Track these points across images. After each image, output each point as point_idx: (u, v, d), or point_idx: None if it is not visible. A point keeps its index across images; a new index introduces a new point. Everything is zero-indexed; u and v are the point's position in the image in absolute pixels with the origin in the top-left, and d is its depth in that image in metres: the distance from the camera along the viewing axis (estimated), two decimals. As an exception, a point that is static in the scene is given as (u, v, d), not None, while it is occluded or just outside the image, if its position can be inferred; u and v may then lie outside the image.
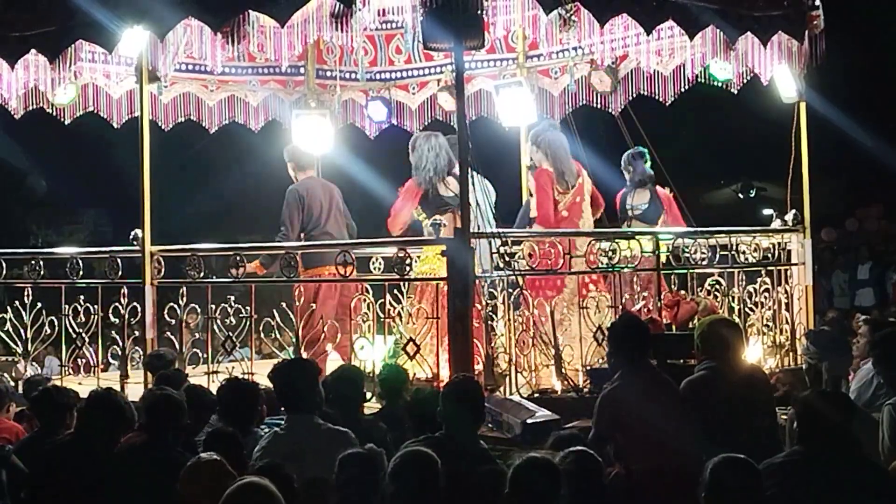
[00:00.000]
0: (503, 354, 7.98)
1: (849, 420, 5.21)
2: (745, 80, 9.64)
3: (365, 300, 8.42)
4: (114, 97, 10.97)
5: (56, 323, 9.56)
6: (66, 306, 9.50)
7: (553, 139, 9.28)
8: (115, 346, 9.31)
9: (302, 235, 9.60)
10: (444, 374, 7.63)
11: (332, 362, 8.35)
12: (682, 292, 9.21)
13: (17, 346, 9.83)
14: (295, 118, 11.24)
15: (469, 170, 7.81)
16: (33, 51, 8.80)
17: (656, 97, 10.45)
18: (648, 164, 10.37)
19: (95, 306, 9.34)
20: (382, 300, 8.63)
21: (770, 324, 9.52)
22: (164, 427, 5.86)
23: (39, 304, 9.73)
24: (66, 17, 8.51)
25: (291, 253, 8.57)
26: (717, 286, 9.33)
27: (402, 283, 8.82)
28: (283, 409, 6.19)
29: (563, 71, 11.38)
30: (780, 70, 9.33)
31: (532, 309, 8.27)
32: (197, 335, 9.20)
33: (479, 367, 7.80)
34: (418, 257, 8.76)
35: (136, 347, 9.10)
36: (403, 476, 4.67)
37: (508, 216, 9.72)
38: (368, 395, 7.25)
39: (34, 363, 9.96)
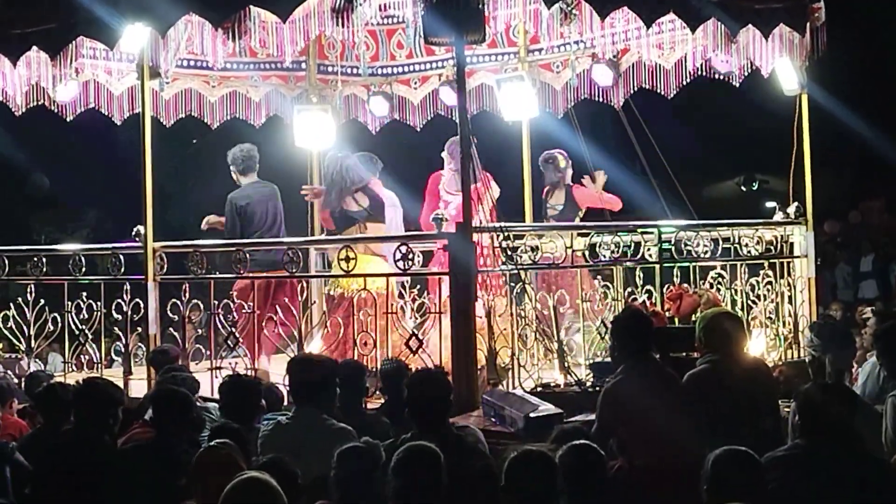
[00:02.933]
0: (505, 349, 7.98)
1: (851, 413, 5.21)
2: (746, 73, 9.63)
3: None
4: (115, 94, 10.97)
5: (59, 320, 9.58)
6: (69, 303, 9.52)
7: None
8: (118, 343, 9.32)
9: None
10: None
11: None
12: (685, 285, 9.20)
13: (20, 342, 9.85)
14: (297, 114, 11.24)
15: (471, 166, 7.81)
16: (35, 48, 8.81)
17: (658, 91, 10.44)
18: (565, 165, 10.52)
19: (98, 303, 9.34)
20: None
21: (773, 317, 9.53)
22: (170, 423, 5.87)
23: (42, 301, 9.74)
24: (67, 13, 8.51)
25: (294, 249, 8.57)
26: (720, 279, 9.33)
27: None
28: (292, 401, 6.20)
29: (564, 65, 11.37)
30: (781, 63, 9.31)
31: (534, 303, 8.27)
32: (200, 331, 9.20)
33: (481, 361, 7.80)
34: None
35: (139, 344, 9.10)
36: (406, 470, 4.66)
37: (512, 211, 9.75)
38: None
39: (37, 360, 9.97)
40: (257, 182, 10.01)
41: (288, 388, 6.58)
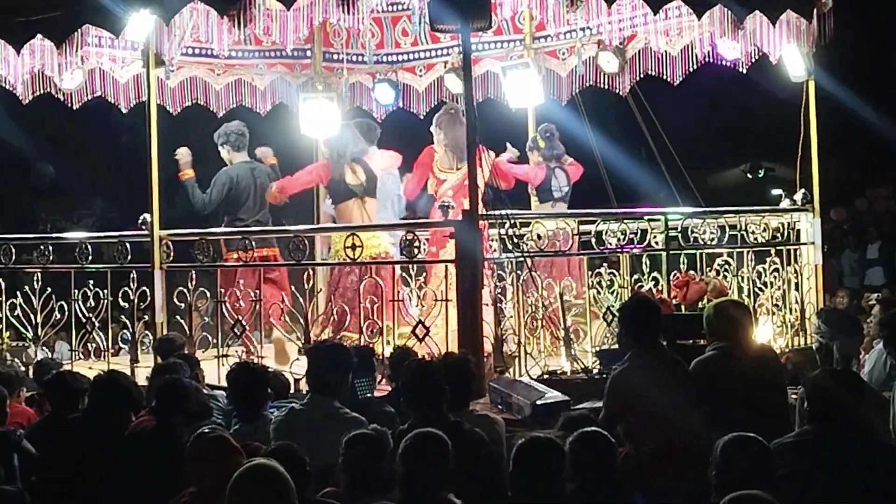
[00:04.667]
0: (512, 336, 7.98)
1: (860, 400, 5.21)
2: (753, 60, 9.60)
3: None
4: (121, 82, 10.96)
5: (66, 308, 9.58)
6: (76, 291, 9.52)
7: (456, 121, 9.24)
8: (125, 331, 9.33)
9: (226, 219, 9.76)
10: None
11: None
12: (692, 273, 9.19)
13: (28, 331, 9.85)
14: (302, 101, 11.23)
15: (473, 154, 7.80)
16: (40, 36, 8.79)
17: (664, 77, 10.42)
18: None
19: (105, 291, 9.35)
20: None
21: (779, 304, 9.52)
22: (171, 412, 5.87)
23: (49, 290, 9.75)
24: (72, 1, 8.51)
25: (300, 236, 8.56)
26: (727, 266, 9.32)
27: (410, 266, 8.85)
28: (308, 387, 6.22)
29: (570, 52, 11.36)
30: (788, 49, 9.28)
31: (541, 290, 8.26)
32: (206, 319, 9.20)
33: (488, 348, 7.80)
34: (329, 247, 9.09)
35: (146, 332, 9.11)
36: (414, 457, 4.66)
37: (518, 198, 9.74)
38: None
39: (44, 348, 9.98)
40: (249, 161, 10.08)
41: (304, 375, 6.58)
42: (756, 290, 9.36)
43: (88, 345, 9.58)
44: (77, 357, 9.56)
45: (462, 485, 4.84)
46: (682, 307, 8.79)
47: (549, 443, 4.68)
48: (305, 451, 4.93)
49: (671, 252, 8.97)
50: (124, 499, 5.53)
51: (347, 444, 4.88)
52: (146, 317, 9.14)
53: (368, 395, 6.48)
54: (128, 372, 8.11)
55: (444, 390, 5.69)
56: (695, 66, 10.16)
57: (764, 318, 9.23)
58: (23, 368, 8.80)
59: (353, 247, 8.23)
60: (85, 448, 5.81)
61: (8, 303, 9.95)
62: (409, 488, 4.63)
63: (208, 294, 9.04)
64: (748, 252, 9.34)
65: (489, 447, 5.53)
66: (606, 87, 11.06)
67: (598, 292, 8.88)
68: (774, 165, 20.35)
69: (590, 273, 8.91)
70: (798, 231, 9.80)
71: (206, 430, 5.09)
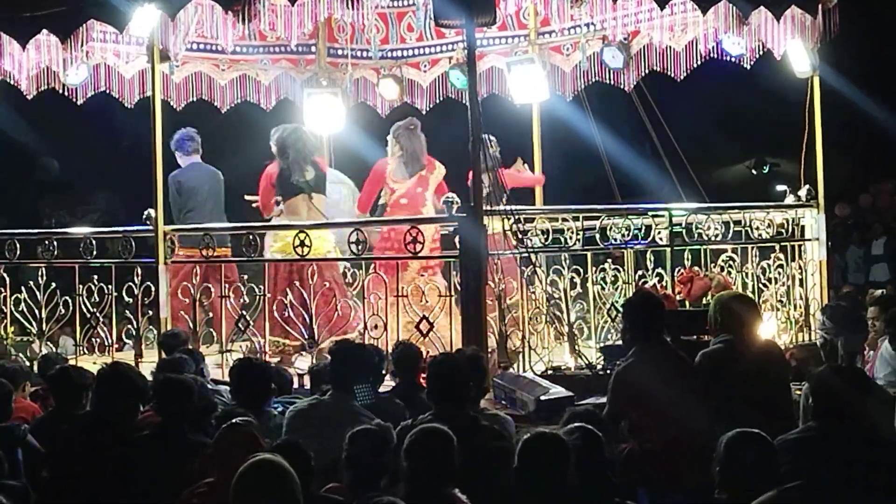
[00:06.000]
0: (516, 332, 7.98)
1: (864, 396, 5.20)
2: (758, 55, 9.59)
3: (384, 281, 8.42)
4: (125, 77, 10.97)
5: (70, 303, 9.58)
6: (80, 286, 9.52)
7: (413, 135, 9.50)
8: (130, 326, 9.33)
9: (180, 217, 9.86)
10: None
11: None
12: (696, 268, 9.20)
13: (32, 326, 9.86)
14: (306, 97, 11.23)
15: (481, 150, 7.79)
16: (44, 31, 8.80)
17: (669, 73, 10.40)
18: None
19: (109, 286, 9.35)
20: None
21: (784, 300, 9.51)
22: (174, 410, 5.87)
23: (53, 285, 9.75)
24: (77, -4, 8.51)
25: (305, 231, 8.57)
26: (731, 262, 9.31)
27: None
28: (330, 382, 6.27)
29: (574, 47, 11.34)
30: (793, 44, 9.27)
31: (545, 286, 8.26)
32: (211, 314, 9.20)
33: (492, 344, 7.80)
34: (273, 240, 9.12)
35: (150, 327, 9.12)
36: (418, 453, 4.66)
37: (522, 194, 9.74)
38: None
39: (49, 343, 9.99)
40: (200, 163, 10.31)
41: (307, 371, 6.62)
42: (760, 286, 9.36)
43: (93, 340, 9.58)
44: (81, 352, 9.58)
45: (478, 480, 4.86)
46: (687, 303, 8.80)
47: (554, 438, 4.68)
48: (319, 445, 4.94)
49: (675, 248, 8.98)
50: (128, 496, 5.54)
51: (351, 438, 4.89)
52: (150, 312, 9.13)
53: (369, 401, 6.45)
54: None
55: (469, 385, 5.72)
56: (699, 62, 10.14)
57: (768, 315, 9.21)
58: (27, 364, 8.79)
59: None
60: (91, 443, 5.80)
61: (13, 298, 9.95)
62: (413, 484, 4.62)
63: (212, 289, 9.03)
64: (752, 248, 9.34)
65: (505, 442, 5.54)
66: (611, 82, 11.04)
67: (602, 288, 8.88)
68: (779, 161, 20.31)
69: (594, 269, 8.89)
70: (802, 227, 9.79)
71: (240, 422, 5.13)
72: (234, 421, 5.13)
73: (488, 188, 8.03)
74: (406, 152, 9.45)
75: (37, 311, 9.76)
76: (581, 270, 8.81)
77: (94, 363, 8.29)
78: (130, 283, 9.19)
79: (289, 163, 9.36)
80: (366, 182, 9.72)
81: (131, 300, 9.23)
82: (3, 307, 10.00)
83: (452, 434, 4.72)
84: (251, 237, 8.73)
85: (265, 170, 9.58)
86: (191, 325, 8.87)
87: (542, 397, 6.82)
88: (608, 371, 6.99)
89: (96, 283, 9.46)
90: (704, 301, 8.48)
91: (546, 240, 8.43)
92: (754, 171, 21.25)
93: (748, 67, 9.83)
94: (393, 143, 9.55)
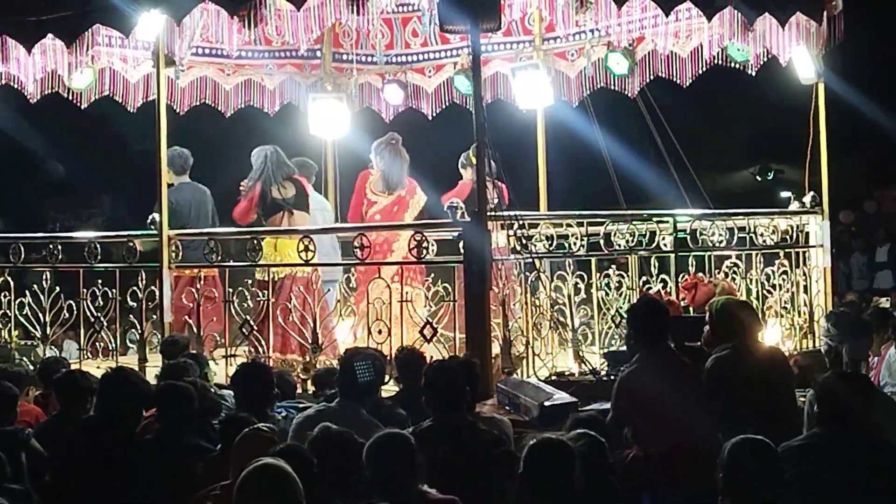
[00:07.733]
0: (520, 337, 7.97)
1: (869, 402, 5.20)
2: (763, 62, 9.58)
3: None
4: (131, 81, 10.96)
5: (74, 307, 9.57)
6: (85, 290, 9.51)
7: (395, 152, 9.57)
8: (134, 330, 9.33)
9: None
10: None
11: None
12: (700, 275, 9.19)
13: (36, 330, 9.86)
14: (311, 102, 11.24)
15: (486, 156, 7.80)
16: (50, 35, 8.81)
17: (674, 79, 10.40)
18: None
19: (113, 290, 9.34)
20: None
21: (788, 306, 9.50)
22: (174, 415, 5.88)
23: (58, 289, 9.74)
24: (83, 1, 8.51)
25: (309, 236, 8.57)
26: (735, 269, 9.30)
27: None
28: (337, 389, 6.28)
29: (579, 53, 11.33)
30: (798, 51, 9.27)
31: (549, 291, 8.26)
32: (214, 319, 9.20)
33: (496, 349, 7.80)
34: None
35: (154, 331, 9.12)
36: (378, 456, 4.74)
37: (527, 198, 9.73)
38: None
39: (53, 347, 9.98)
40: (189, 182, 10.39)
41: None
42: (765, 292, 9.35)
43: (97, 344, 9.58)
44: (85, 356, 9.57)
45: (477, 483, 4.86)
46: (691, 309, 8.78)
47: (560, 444, 4.69)
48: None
49: (680, 254, 8.97)
50: (129, 500, 5.54)
51: (311, 444, 4.94)
52: (154, 316, 9.14)
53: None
54: (136, 371, 8.10)
55: (465, 390, 5.75)
56: (704, 68, 10.14)
57: (772, 321, 9.22)
58: (32, 368, 8.79)
59: (362, 247, 8.27)
60: (94, 446, 5.80)
61: (17, 301, 9.96)
62: (380, 486, 4.70)
63: (216, 293, 9.04)
64: (757, 254, 9.32)
65: (504, 446, 5.55)
66: (615, 88, 11.03)
67: (607, 294, 8.88)
68: (783, 168, 20.34)
69: (598, 275, 8.90)
70: (807, 234, 9.78)
71: (263, 427, 5.17)
72: (256, 426, 5.15)
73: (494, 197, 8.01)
74: (384, 170, 9.53)
75: (41, 315, 9.76)
76: (585, 276, 8.85)
77: (98, 367, 8.29)
78: (134, 288, 9.20)
79: (268, 181, 9.39)
80: (353, 195, 9.76)
81: (135, 304, 9.24)
82: (8, 311, 10.00)
83: (409, 435, 4.84)
84: (255, 241, 8.75)
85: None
86: (194, 329, 8.88)
87: (546, 403, 6.81)
88: (612, 377, 6.99)
89: (100, 287, 9.46)
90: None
91: (550, 245, 8.44)
92: (759, 178, 21.30)
93: (753, 74, 9.84)
94: (375, 157, 9.61)
